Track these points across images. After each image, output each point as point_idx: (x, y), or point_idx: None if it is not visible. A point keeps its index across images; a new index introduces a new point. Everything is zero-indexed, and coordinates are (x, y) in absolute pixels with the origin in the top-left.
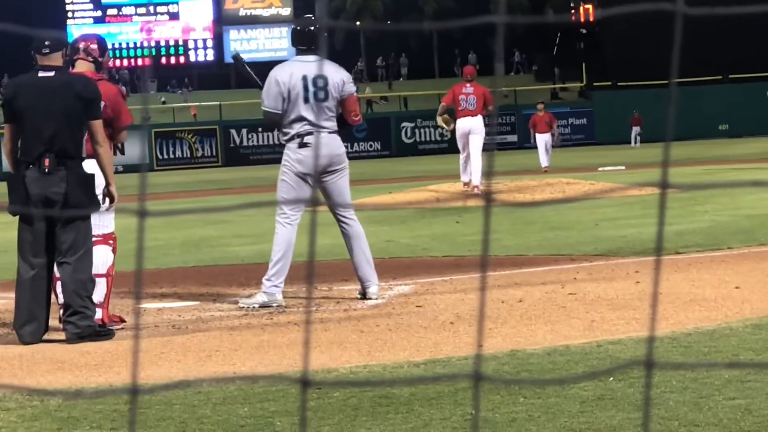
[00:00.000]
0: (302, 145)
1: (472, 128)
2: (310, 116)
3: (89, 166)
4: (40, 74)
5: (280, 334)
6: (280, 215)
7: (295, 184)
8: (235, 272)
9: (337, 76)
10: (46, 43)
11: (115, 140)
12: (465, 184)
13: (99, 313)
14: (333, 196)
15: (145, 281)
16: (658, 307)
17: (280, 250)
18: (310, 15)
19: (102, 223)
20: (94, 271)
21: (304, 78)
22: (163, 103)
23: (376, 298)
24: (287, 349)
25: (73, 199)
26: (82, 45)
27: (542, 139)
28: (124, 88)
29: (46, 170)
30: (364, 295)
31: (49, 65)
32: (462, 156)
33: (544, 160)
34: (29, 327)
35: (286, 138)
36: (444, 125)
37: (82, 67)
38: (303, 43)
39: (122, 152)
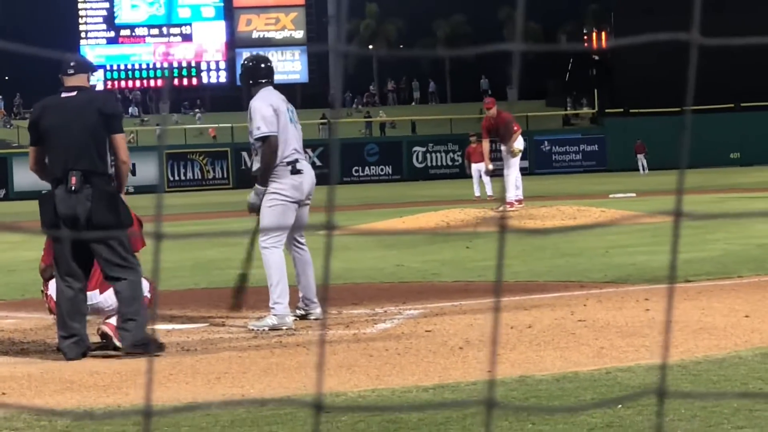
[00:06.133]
0: (295, 171)
1: None
2: (297, 141)
3: None
4: (63, 95)
5: (289, 357)
6: (266, 240)
7: (286, 210)
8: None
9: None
10: (71, 64)
11: None
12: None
13: (114, 320)
14: (300, 222)
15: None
16: (670, 335)
17: (276, 273)
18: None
19: None
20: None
21: (285, 102)
22: (176, 122)
23: (322, 317)
24: (296, 372)
25: (97, 217)
26: None
27: (476, 169)
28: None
29: (73, 188)
30: (305, 317)
31: (73, 86)
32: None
33: (477, 190)
34: (70, 341)
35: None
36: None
37: None
38: (265, 76)
39: (133, 173)
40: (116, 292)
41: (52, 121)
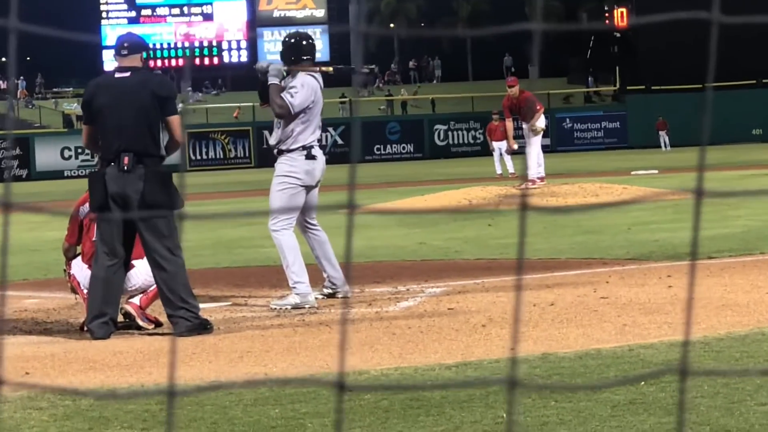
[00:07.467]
0: (310, 156)
1: None
2: (320, 129)
3: None
4: (117, 75)
5: (312, 336)
6: (276, 223)
7: (295, 194)
8: (267, 274)
9: None
10: (125, 44)
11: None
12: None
13: (138, 300)
14: (310, 205)
15: None
16: (692, 312)
17: (290, 253)
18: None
19: None
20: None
21: (321, 90)
22: (198, 101)
23: (350, 295)
24: (319, 350)
25: (150, 197)
26: None
27: (497, 147)
28: None
29: (125, 168)
30: (333, 295)
31: (127, 66)
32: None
33: (498, 167)
34: (100, 320)
35: (291, 146)
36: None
37: None
38: (308, 53)
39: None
40: (157, 282)
41: (105, 101)
